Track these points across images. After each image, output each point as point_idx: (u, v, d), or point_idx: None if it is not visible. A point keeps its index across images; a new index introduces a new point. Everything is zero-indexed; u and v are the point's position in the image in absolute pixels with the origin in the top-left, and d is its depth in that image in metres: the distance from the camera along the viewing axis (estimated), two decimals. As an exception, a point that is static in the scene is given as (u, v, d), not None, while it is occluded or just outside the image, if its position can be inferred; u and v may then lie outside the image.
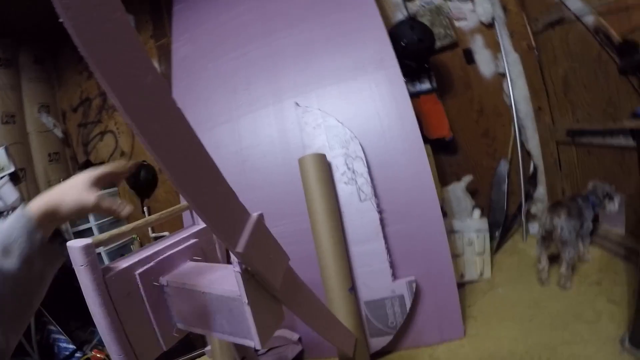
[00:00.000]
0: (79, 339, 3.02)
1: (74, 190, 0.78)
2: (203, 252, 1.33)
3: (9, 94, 3.88)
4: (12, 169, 2.87)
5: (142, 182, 3.60)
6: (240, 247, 0.84)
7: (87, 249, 0.99)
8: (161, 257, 1.19)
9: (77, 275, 1.02)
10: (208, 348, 2.29)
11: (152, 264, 1.15)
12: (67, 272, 2.72)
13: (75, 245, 0.98)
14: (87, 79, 4.08)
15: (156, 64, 3.67)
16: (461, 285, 2.49)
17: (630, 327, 1.63)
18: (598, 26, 2.17)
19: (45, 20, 3.73)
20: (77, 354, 2.83)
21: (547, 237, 2.28)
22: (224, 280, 1.03)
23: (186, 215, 1.98)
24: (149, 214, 3.68)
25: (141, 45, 0.64)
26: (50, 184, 3.84)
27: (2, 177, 2.79)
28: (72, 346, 2.92)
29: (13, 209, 2.67)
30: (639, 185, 2.09)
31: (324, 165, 2.04)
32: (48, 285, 0.74)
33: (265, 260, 0.95)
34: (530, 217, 3.07)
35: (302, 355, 2.20)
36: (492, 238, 2.83)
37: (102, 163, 3.91)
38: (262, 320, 0.99)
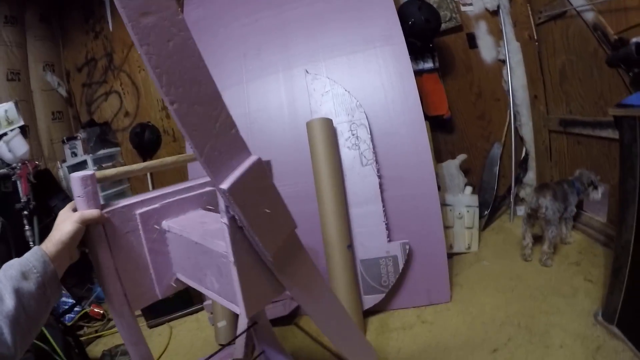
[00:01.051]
0: (76, 295, 3.07)
1: (62, 218, 0.90)
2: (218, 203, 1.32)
3: (14, 51, 3.88)
4: (21, 123, 2.92)
5: (145, 143, 3.65)
6: (226, 184, 0.71)
7: (86, 180, 0.96)
8: (167, 201, 1.13)
9: (76, 205, 0.99)
10: (207, 302, 2.39)
11: (156, 205, 1.10)
12: None
13: (75, 175, 0.96)
14: (93, 40, 4.10)
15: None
16: (450, 255, 2.61)
17: (604, 304, 1.75)
18: (597, 23, 2.26)
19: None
20: (76, 309, 2.90)
21: (532, 216, 2.40)
22: (219, 233, 0.87)
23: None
24: (152, 184, 3.79)
25: None
26: (52, 142, 3.90)
27: (12, 130, 2.83)
28: (71, 300, 2.98)
29: (22, 161, 2.73)
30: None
31: (330, 130, 2.14)
32: (49, 312, 0.82)
33: (258, 212, 0.79)
34: (518, 200, 3.20)
35: (298, 310, 2.32)
36: (481, 216, 2.96)
37: (105, 123, 3.99)
38: (251, 286, 0.87)
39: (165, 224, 1.08)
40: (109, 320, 2.86)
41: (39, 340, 1.98)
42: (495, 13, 3.12)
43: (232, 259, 0.79)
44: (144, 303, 1.09)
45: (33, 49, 4.05)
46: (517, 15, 3.06)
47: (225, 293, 0.91)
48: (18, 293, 0.71)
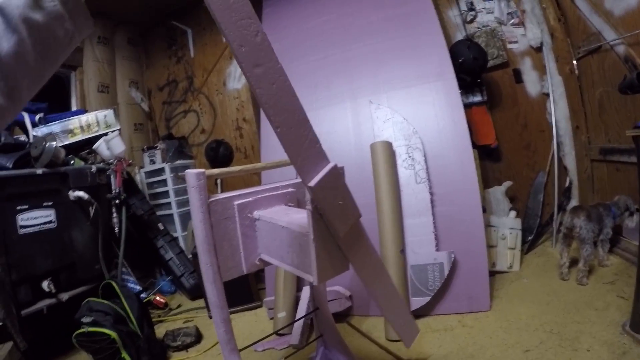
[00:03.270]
0: (141, 284, 3.45)
1: None
2: (298, 202, 1.57)
3: (105, 67, 4.40)
4: (118, 127, 3.37)
5: (220, 157, 4.04)
6: (312, 182, 0.97)
7: (199, 175, 1.30)
8: (259, 196, 1.43)
9: (188, 195, 1.32)
10: (268, 299, 2.66)
11: (250, 199, 1.39)
12: (142, 229, 3.25)
13: (190, 171, 1.29)
14: (175, 64, 4.61)
15: (243, 55, 4.14)
16: (492, 273, 2.77)
17: (632, 314, 1.84)
18: (627, 55, 2.42)
19: (139, 7, 4.28)
20: (142, 295, 3.19)
21: (567, 235, 2.54)
22: (301, 220, 1.15)
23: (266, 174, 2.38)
24: (222, 188, 4.15)
25: (253, 15, 0.87)
26: (133, 150, 4.37)
27: (112, 132, 3.28)
28: (139, 287, 3.33)
29: (118, 158, 3.18)
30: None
31: (390, 151, 2.47)
32: (73, 48, 0.68)
33: (334, 203, 1.05)
34: (561, 227, 3.33)
35: (350, 310, 2.58)
36: (524, 241, 3.12)
37: (183, 137, 4.44)
38: (323, 259, 1.11)
39: (256, 213, 1.37)
40: (170, 309, 3.20)
41: (119, 307, 2.35)
42: (539, 49, 3.32)
43: (312, 236, 1.05)
44: (232, 276, 1.37)
45: (120, 67, 4.58)
46: (558, 51, 3.22)
47: (303, 265, 1.16)
48: (27, 25, 0.56)
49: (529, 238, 3.22)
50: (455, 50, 3.00)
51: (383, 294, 1.43)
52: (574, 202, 3.31)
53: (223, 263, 1.37)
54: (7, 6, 0.55)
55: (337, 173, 1.05)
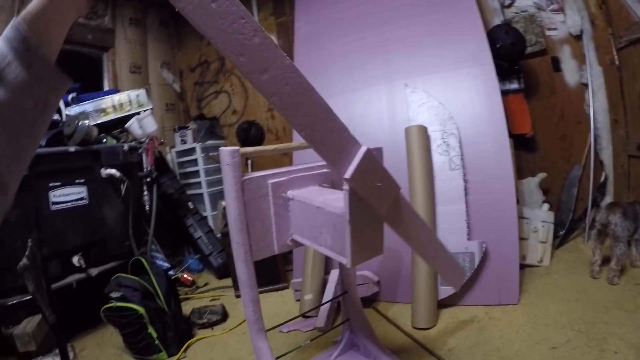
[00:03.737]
0: (170, 262, 3.51)
1: None
2: (332, 182, 1.56)
3: (137, 48, 4.46)
4: (150, 106, 3.41)
5: (251, 138, 4.05)
6: (347, 174, 0.96)
7: (233, 153, 1.30)
8: (293, 176, 1.41)
9: (222, 172, 1.31)
10: (295, 280, 2.68)
11: (284, 178, 1.38)
12: (172, 207, 3.31)
13: (225, 149, 1.29)
14: (207, 45, 4.61)
15: (274, 38, 4.12)
16: (522, 266, 2.69)
17: None
18: None
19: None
20: (170, 273, 3.28)
21: (602, 232, 2.47)
22: (337, 201, 1.13)
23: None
24: (252, 168, 4.16)
25: (246, 13, 0.77)
26: (164, 130, 4.43)
27: (145, 111, 3.33)
28: (167, 264, 3.41)
29: (150, 137, 3.22)
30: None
31: (425, 136, 2.42)
32: (54, 112, 0.62)
33: (372, 187, 1.04)
34: (594, 223, 3.24)
35: (377, 295, 2.57)
36: (556, 236, 3.05)
37: (214, 118, 4.47)
38: (358, 242, 1.10)
39: (290, 193, 1.36)
40: (197, 287, 3.25)
41: (147, 284, 2.38)
42: (578, 37, 3.20)
43: (348, 218, 1.03)
44: (263, 255, 1.37)
45: (152, 48, 4.64)
46: (599, 40, 3.12)
47: (336, 247, 1.15)
48: None
49: (561, 233, 3.14)
50: (492, 35, 2.91)
51: (431, 250, 1.47)
52: (608, 199, 3.21)
53: (255, 242, 1.37)
54: None
55: (371, 156, 1.02)
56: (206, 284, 3.33)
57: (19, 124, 0.55)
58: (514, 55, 2.99)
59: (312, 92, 0.92)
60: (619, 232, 2.35)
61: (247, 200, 1.32)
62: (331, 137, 0.96)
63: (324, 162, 1.53)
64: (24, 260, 1.21)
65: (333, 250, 1.19)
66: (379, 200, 1.08)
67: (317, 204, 1.21)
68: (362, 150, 1.00)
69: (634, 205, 2.47)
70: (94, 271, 2.64)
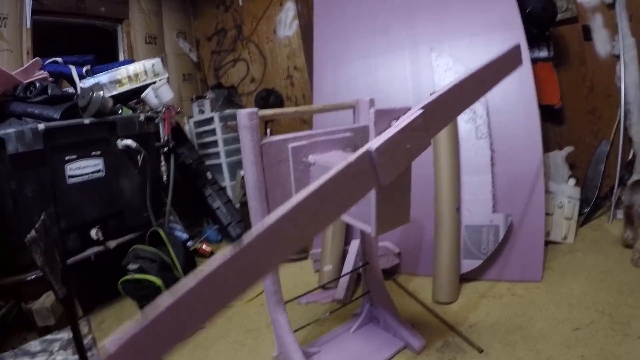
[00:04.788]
0: (189, 232, 3.53)
1: None
2: (356, 147, 1.48)
3: (152, 18, 4.41)
4: (166, 75, 3.36)
5: (270, 106, 3.97)
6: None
7: (251, 115, 1.27)
8: (314, 140, 1.36)
9: (239, 136, 1.26)
10: (314, 251, 2.65)
11: (305, 142, 1.34)
12: (190, 178, 3.30)
13: (243, 111, 1.24)
14: (224, 12, 4.54)
15: (292, 3, 4.04)
16: (546, 243, 2.62)
17: None
18: None
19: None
20: (189, 243, 3.30)
21: (627, 214, 2.38)
22: None
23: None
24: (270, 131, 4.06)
25: None
26: (182, 100, 4.41)
27: (160, 80, 3.28)
28: (186, 235, 3.42)
29: (166, 107, 3.17)
30: None
31: (451, 102, 2.31)
32: None
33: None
34: (620, 202, 3.15)
35: (398, 268, 2.53)
36: (580, 213, 2.95)
37: (232, 86, 4.42)
38: (385, 209, 1.08)
39: (311, 157, 1.30)
40: (217, 257, 3.25)
41: (165, 255, 2.36)
42: (611, 6, 3.02)
43: None
44: None
45: (168, 17, 4.59)
46: (633, 9, 2.95)
47: (361, 215, 1.11)
48: None
49: (586, 210, 3.04)
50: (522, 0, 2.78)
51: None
52: (636, 177, 3.07)
53: (274, 209, 1.33)
54: None
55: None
56: (226, 255, 3.32)
57: None
58: (544, 20, 2.84)
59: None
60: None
61: (266, 165, 1.27)
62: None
63: (346, 126, 1.48)
64: (32, 233, 1.18)
65: (357, 219, 1.14)
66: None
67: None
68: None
69: None
70: (112, 243, 2.64)
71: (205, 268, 0.67)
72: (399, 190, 1.12)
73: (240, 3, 4.38)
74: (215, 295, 0.71)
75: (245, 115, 1.32)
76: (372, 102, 1.61)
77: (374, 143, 0.89)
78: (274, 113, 1.49)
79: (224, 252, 0.68)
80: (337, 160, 1.22)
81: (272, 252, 0.81)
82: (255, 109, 1.36)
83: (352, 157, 0.89)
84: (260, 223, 0.73)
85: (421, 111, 0.98)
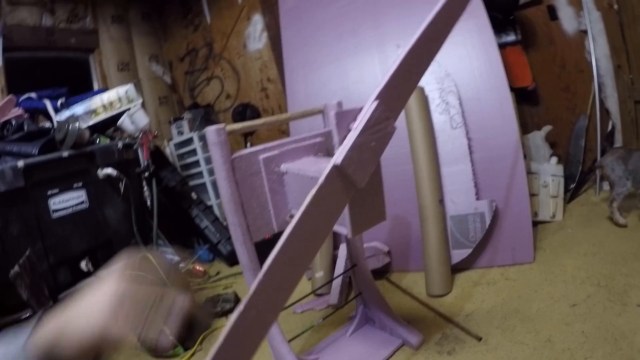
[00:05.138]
0: (180, 255, 3.47)
1: (90, 310, 0.52)
2: (328, 151, 1.50)
3: (123, 45, 4.42)
4: (140, 100, 3.36)
5: (247, 120, 3.99)
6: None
7: (219, 131, 1.26)
8: (285, 148, 1.36)
9: (210, 152, 1.26)
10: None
11: (276, 152, 1.33)
12: (175, 200, 3.28)
13: (211, 127, 1.24)
14: (193, 32, 4.55)
15: (260, 16, 4.03)
16: (535, 223, 2.62)
17: None
18: None
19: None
20: (181, 265, 3.25)
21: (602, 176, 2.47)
22: None
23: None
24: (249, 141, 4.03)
25: None
26: (160, 124, 4.39)
27: (135, 106, 3.27)
28: (177, 258, 3.36)
29: (143, 132, 3.16)
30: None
31: (422, 96, 2.33)
32: None
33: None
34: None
35: (389, 266, 2.52)
36: (567, 190, 2.97)
37: (208, 105, 4.42)
38: (358, 209, 1.07)
39: (283, 166, 1.30)
40: (210, 277, 3.20)
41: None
42: None
43: None
44: (262, 235, 1.33)
45: (138, 42, 4.59)
46: None
47: (338, 219, 1.09)
48: None
49: (571, 186, 3.08)
50: (485, -13, 2.81)
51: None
52: (618, 147, 3.13)
53: (252, 222, 1.33)
54: None
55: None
56: (218, 273, 3.29)
57: None
58: (508, 5, 2.90)
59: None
60: (612, 176, 2.34)
61: (239, 179, 1.27)
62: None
63: (317, 132, 1.48)
64: (15, 268, 1.17)
65: None
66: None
67: (311, 174, 1.17)
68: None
69: (634, 152, 2.38)
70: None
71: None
72: (370, 189, 1.10)
73: (209, 21, 4.40)
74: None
75: (213, 132, 1.32)
76: (339, 105, 1.61)
77: (338, 157, 0.89)
78: (242, 127, 1.48)
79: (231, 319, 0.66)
80: (308, 167, 1.23)
81: (277, 294, 0.82)
82: (222, 125, 1.36)
83: (321, 177, 0.89)
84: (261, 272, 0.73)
85: (376, 102, 0.97)
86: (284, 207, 1.36)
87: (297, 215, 0.84)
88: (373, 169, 0.99)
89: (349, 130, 0.95)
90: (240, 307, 0.76)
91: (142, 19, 4.69)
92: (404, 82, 1.07)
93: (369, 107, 0.97)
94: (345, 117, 1.07)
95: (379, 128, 0.99)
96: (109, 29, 4.32)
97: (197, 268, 3.25)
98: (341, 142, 0.93)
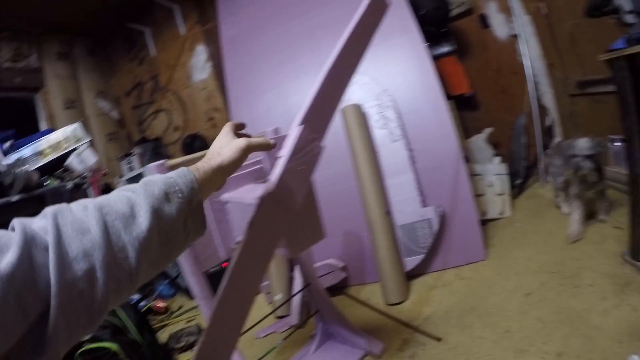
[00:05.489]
0: (140, 293, 3.40)
1: (224, 143, 0.82)
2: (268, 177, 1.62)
3: (68, 83, 4.32)
4: (88, 138, 3.31)
5: (196, 151, 3.97)
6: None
7: (160, 166, 1.30)
8: None
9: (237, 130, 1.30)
10: (263, 283, 2.65)
11: None
12: None
13: (151, 164, 1.27)
14: (138, 66, 4.51)
15: (203, 47, 4.08)
16: (484, 222, 2.75)
17: (630, 242, 1.82)
18: None
19: (95, 16, 4.18)
20: (142, 304, 3.20)
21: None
22: None
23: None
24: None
25: None
26: (110, 160, 4.31)
27: (82, 144, 3.22)
28: (137, 296, 3.27)
29: (91, 171, 3.12)
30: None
31: (361, 113, 2.41)
32: (186, 248, 0.70)
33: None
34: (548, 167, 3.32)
35: (346, 281, 2.56)
36: (513, 186, 3.09)
37: (157, 139, 4.38)
38: (294, 232, 1.09)
39: (225, 195, 1.32)
40: (172, 312, 3.16)
41: (116, 319, 2.31)
42: None
43: None
44: (211, 264, 1.38)
45: (84, 79, 4.49)
46: None
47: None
48: (156, 214, 0.60)
49: (517, 182, 3.20)
50: (416, 3, 2.92)
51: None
52: (558, 140, 3.28)
53: (200, 252, 1.37)
54: (148, 196, 0.61)
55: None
56: (180, 307, 3.24)
57: (168, 238, 0.62)
58: (439, 19, 3.03)
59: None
60: (552, 168, 2.50)
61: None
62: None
63: (256, 159, 1.52)
64: None
65: None
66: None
67: (250, 201, 1.16)
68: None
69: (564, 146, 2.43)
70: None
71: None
72: (306, 209, 1.13)
73: (153, 54, 4.39)
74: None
75: (153, 169, 1.34)
76: (277, 132, 1.65)
77: (269, 186, 0.94)
78: (184, 160, 1.50)
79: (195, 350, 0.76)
80: (247, 195, 1.25)
81: (234, 319, 0.92)
82: (163, 161, 1.39)
83: (254, 206, 0.94)
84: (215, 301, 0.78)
85: (301, 127, 1.02)
86: (229, 235, 1.39)
87: (240, 244, 0.90)
88: (305, 190, 1.04)
89: (278, 158, 0.99)
90: (201, 338, 0.81)
91: (88, 54, 4.60)
92: (325, 103, 1.14)
93: (294, 133, 1.02)
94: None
95: (307, 151, 1.05)
96: (55, 67, 4.22)
97: (159, 305, 3.20)
98: (272, 169, 0.99)
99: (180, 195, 0.65)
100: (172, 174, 0.68)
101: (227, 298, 0.87)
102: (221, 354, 0.86)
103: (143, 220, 0.58)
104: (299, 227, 1.11)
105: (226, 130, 0.86)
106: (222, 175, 0.78)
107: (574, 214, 2.28)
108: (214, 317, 0.85)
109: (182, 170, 0.69)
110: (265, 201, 0.94)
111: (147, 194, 0.61)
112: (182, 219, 0.64)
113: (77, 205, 0.57)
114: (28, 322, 0.45)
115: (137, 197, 0.60)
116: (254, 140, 0.84)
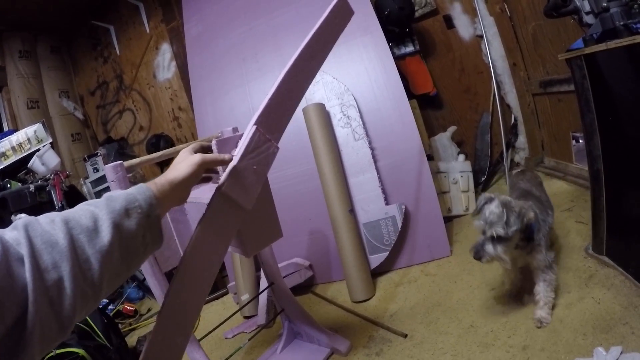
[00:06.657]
0: (109, 296, 3.39)
1: (181, 159, 0.89)
2: None
3: (31, 82, 4.21)
4: (50, 140, 3.24)
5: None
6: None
7: (116, 167, 1.30)
8: None
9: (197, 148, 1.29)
10: (230, 284, 2.62)
11: None
12: None
13: (108, 165, 1.26)
14: (103, 64, 4.42)
15: (168, 45, 4.02)
16: (450, 218, 2.81)
17: (592, 236, 1.86)
18: None
19: (59, 12, 4.09)
20: (110, 307, 3.16)
21: None
22: None
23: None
24: (162, 170, 3.99)
25: None
26: (74, 162, 4.22)
27: (44, 146, 3.15)
28: (105, 300, 3.25)
29: (54, 172, 3.05)
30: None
31: (324, 112, 2.42)
32: (145, 259, 0.75)
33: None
34: (513, 164, 3.39)
35: (313, 280, 2.57)
36: (478, 183, 3.15)
37: (122, 139, 4.30)
38: (250, 231, 1.10)
39: (181, 198, 1.34)
40: (141, 315, 3.12)
41: (82, 323, 2.27)
42: None
43: None
44: (171, 265, 1.36)
45: (47, 78, 4.38)
46: None
47: (233, 242, 1.13)
48: (117, 229, 0.64)
49: (483, 179, 3.26)
50: (380, 3, 2.96)
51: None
52: (521, 138, 3.40)
53: (160, 254, 1.35)
54: (110, 211, 0.65)
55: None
56: (149, 310, 3.20)
57: (128, 251, 0.67)
58: (403, 19, 3.05)
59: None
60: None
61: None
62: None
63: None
64: None
65: (231, 245, 1.14)
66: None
67: (205, 201, 1.18)
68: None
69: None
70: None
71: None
72: (262, 209, 1.14)
73: (118, 52, 4.30)
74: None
75: (110, 170, 1.33)
76: (235, 131, 1.65)
77: (220, 183, 0.94)
78: (140, 161, 1.49)
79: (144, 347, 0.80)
80: (204, 194, 1.25)
81: (183, 317, 0.93)
82: (120, 162, 1.37)
83: (208, 203, 0.95)
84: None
85: (254, 128, 1.03)
86: (188, 236, 1.36)
87: (190, 241, 0.91)
88: (259, 190, 1.04)
89: (232, 157, 1.00)
90: (150, 337, 0.81)
91: (51, 52, 4.49)
92: (283, 105, 1.15)
93: (248, 133, 1.03)
94: (226, 144, 1.11)
95: (260, 151, 1.05)
96: (17, 65, 4.11)
97: (127, 308, 3.15)
98: (224, 168, 0.99)
99: (139, 210, 0.69)
100: (132, 190, 0.73)
101: (176, 295, 0.87)
102: (172, 349, 0.85)
103: (105, 235, 0.62)
104: (254, 225, 1.11)
105: (187, 149, 0.94)
106: (179, 189, 0.83)
107: None
108: (163, 313, 0.85)
109: (141, 186, 0.74)
110: (216, 199, 0.95)
111: (109, 209, 0.65)
112: (141, 233, 0.69)
113: (45, 219, 0.61)
114: (5, 326, 0.48)
115: (99, 212, 0.65)
116: (209, 156, 0.90)
